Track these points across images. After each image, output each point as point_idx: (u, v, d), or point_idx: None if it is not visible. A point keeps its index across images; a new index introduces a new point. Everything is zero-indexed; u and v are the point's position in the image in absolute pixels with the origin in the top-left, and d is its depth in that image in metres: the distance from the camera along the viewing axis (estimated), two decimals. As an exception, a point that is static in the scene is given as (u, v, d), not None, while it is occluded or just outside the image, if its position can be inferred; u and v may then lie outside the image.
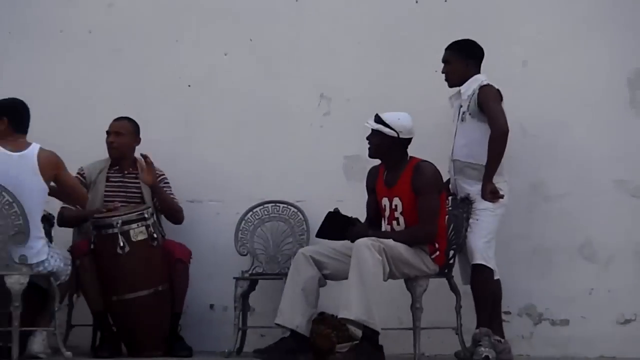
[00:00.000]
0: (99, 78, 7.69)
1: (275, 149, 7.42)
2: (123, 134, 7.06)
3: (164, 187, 7.18)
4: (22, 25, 7.81)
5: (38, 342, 6.36)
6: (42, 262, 6.27)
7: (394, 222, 6.28)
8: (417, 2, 7.11)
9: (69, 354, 6.36)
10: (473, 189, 6.31)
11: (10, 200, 6.12)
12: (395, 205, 6.26)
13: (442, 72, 6.50)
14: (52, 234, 6.78)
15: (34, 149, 6.43)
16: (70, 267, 6.54)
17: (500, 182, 6.28)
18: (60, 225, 7.00)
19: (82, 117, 7.51)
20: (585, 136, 6.78)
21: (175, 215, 7.16)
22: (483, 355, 5.98)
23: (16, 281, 6.07)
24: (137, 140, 7.14)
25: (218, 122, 7.55)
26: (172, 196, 7.19)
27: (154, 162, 7.08)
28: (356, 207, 6.49)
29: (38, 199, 6.41)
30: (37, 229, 6.32)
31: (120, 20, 7.67)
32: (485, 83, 6.32)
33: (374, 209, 6.47)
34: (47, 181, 6.45)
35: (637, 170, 6.74)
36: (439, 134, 6.63)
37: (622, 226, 6.71)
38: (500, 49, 6.72)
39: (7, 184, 6.17)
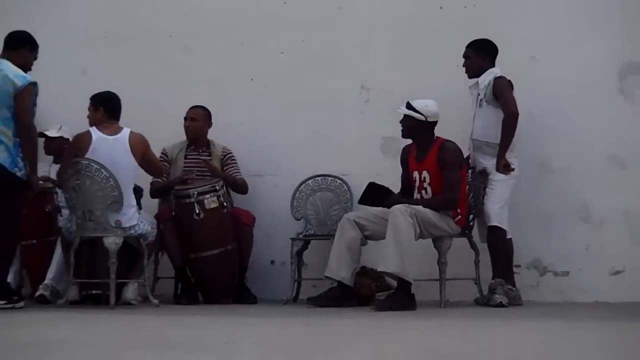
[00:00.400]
0: (178, 74, 7.94)
1: (324, 131, 7.63)
2: (197, 120, 7.41)
3: (230, 163, 7.51)
4: (118, 30, 8.03)
5: (130, 292, 6.90)
6: (133, 226, 6.75)
7: (423, 192, 6.60)
8: (441, 8, 7.35)
9: (155, 301, 6.82)
10: (489, 163, 6.64)
11: (107, 175, 6.56)
12: (424, 177, 6.58)
13: (463, 66, 6.78)
14: (141, 203, 7.20)
15: (125, 132, 6.89)
16: (155, 230, 7.03)
17: (511, 157, 6.59)
18: (152, 196, 7.48)
19: (165, 105, 7.79)
20: (582, 120, 7.02)
21: (239, 189, 7.48)
22: (498, 301, 6.30)
23: (112, 242, 6.55)
24: (209, 124, 7.51)
25: (276, 109, 7.76)
26: (236, 172, 7.51)
27: (225, 143, 7.56)
28: (391, 180, 6.83)
29: (129, 174, 6.85)
30: (129, 199, 6.77)
31: (194, 26, 7.97)
32: (499, 75, 6.62)
33: (407, 181, 6.77)
34: (136, 159, 6.91)
35: (625, 147, 6.99)
36: (460, 117, 6.84)
37: (613, 193, 6.95)
38: (511, 47, 6.95)
39: (104, 162, 6.63)
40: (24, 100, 6.53)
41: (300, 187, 7.47)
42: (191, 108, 7.51)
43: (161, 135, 7.52)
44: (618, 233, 6.93)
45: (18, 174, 6.50)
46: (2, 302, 6.33)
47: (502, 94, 6.58)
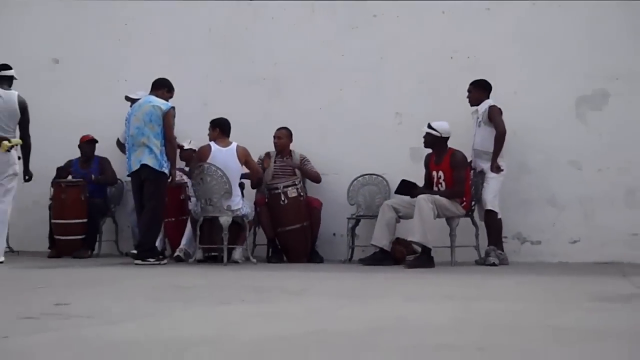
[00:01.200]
0: (279, 109, 8.32)
1: (370, 143, 7.96)
2: (282, 138, 7.92)
3: (306, 164, 7.92)
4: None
5: (237, 254, 7.51)
6: (239, 209, 7.39)
7: (439, 186, 7.09)
8: (451, 58, 7.79)
9: (254, 260, 7.47)
10: (485, 166, 7.07)
11: (222, 174, 7.26)
12: (440, 176, 7.09)
13: (467, 98, 7.20)
14: (244, 193, 7.72)
15: (234, 145, 7.50)
16: (254, 212, 7.64)
17: (501, 162, 7.01)
18: (252, 187, 7.96)
19: (263, 127, 8.10)
20: (550, 135, 7.42)
21: (314, 178, 7.92)
22: (491, 262, 6.81)
23: (225, 220, 7.23)
24: (290, 140, 7.96)
25: (338, 129, 8.17)
26: (312, 168, 7.91)
27: (303, 152, 8.02)
28: (417, 178, 7.26)
29: (236, 174, 7.50)
30: (236, 190, 7.42)
31: (294, 72, 8.42)
32: (492, 104, 7.07)
33: (428, 178, 7.20)
34: (241, 163, 7.52)
35: (580, 154, 7.39)
36: (465, 134, 7.24)
37: (571, 187, 7.38)
38: (499, 85, 7.29)
39: (219, 166, 7.28)
40: (169, 120, 7.17)
41: (354, 182, 7.83)
42: (278, 129, 7.93)
43: (258, 147, 7.97)
44: (575, 214, 7.32)
45: (165, 170, 7.16)
46: (153, 260, 7.08)
47: (494, 118, 7.00)
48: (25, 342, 2.63)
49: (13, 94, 7.15)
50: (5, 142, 6.92)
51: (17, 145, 7.07)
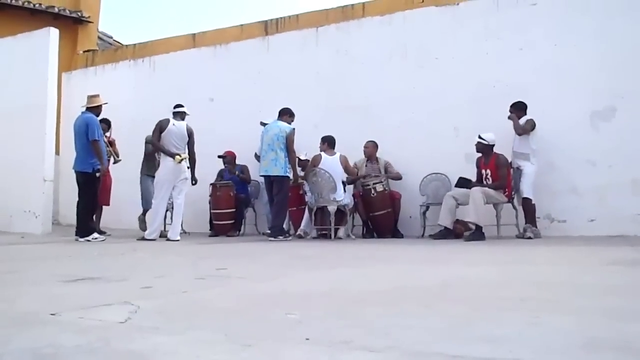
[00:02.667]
0: (367, 122, 8.39)
1: (436, 150, 7.95)
2: (369, 148, 8.02)
3: (390, 167, 8.01)
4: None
5: (341, 232, 7.57)
6: (341, 200, 7.49)
7: (487, 180, 7.02)
8: (494, 86, 7.68)
9: (353, 236, 7.67)
10: (522, 163, 6.96)
11: (329, 176, 7.46)
12: (488, 173, 7.05)
13: (509, 118, 7.07)
14: (345, 189, 7.66)
15: (337, 154, 7.71)
16: (353, 202, 7.69)
17: (533, 161, 6.94)
18: (348, 183, 7.89)
19: (356, 140, 8.07)
20: (571, 141, 7.22)
21: (396, 178, 7.93)
22: (528, 236, 6.66)
23: (332, 208, 7.42)
24: (376, 149, 8.03)
25: (411, 141, 8.16)
26: (394, 170, 7.92)
27: (386, 158, 8.03)
28: (470, 175, 7.24)
29: (339, 175, 7.63)
30: (339, 187, 7.52)
31: (375, 99, 8.52)
32: (527, 119, 6.96)
33: (479, 175, 7.15)
34: (342, 167, 7.67)
35: (594, 155, 7.15)
36: (508, 141, 7.10)
37: (588, 178, 7.12)
38: (531, 104, 7.14)
39: (327, 169, 7.50)
40: (291, 138, 7.36)
41: (424, 179, 7.88)
42: (366, 142, 8.03)
43: (357, 153, 8.12)
44: (592, 199, 7.08)
45: (288, 175, 7.39)
46: (282, 237, 7.25)
47: (525, 131, 6.92)
48: (198, 295, 2.66)
49: (183, 124, 7.49)
50: (178, 156, 7.28)
51: (185, 158, 7.42)
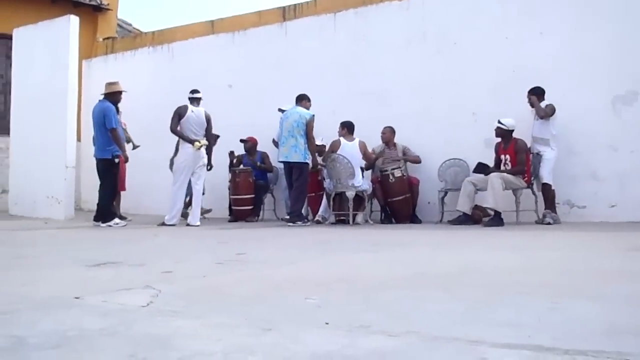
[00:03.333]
0: (386, 112, 8.37)
1: (455, 135, 7.93)
2: (386, 133, 8.02)
3: (408, 152, 8.01)
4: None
5: (359, 218, 7.53)
6: (360, 185, 7.48)
7: (506, 166, 6.99)
8: (514, 71, 7.55)
9: (371, 221, 7.75)
10: (542, 149, 6.93)
11: (347, 161, 7.44)
12: (507, 158, 7.00)
13: (528, 102, 7.04)
14: (363, 175, 7.70)
15: (356, 140, 7.68)
16: (371, 188, 7.67)
17: (553, 147, 6.91)
18: (366, 169, 7.83)
19: (374, 125, 8.08)
20: (592, 126, 7.12)
21: (416, 161, 7.94)
22: (547, 222, 6.65)
23: (350, 194, 7.39)
24: (394, 135, 8.00)
25: (431, 126, 8.14)
26: (413, 154, 7.92)
27: (404, 143, 8.01)
28: (489, 160, 7.22)
29: (357, 161, 7.63)
30: (358, 172, 7.52)
31: (389, 85, 8.49)
32: (547, 104, 6.88)
33: (497, 160, 7.10)
34: (360, 153, 7.64)
35: (616, 139, 7.05)
36: (527, 126, 7.07)
37: (609, 164, 7.03)
38: (550, 90, 7.05)
39: (346, 155, 7.49)
40: (311, 125, 7.39)
41: (442, 164, 7.81)
42: (384, 127, 8.03)
43: (376, 138, 8.12)
44: (612, 185, 7.00)
45: (307, 161, 7.41)
46: (300, 222, 7.28)
47: (547, 115, 6.88)
48: (218, 280, 2.69)
49: (201, 110, 7.52)
50: (197, 143, 7.33)
51: (204, 145, 7.48)
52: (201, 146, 7.20)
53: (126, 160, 7.38)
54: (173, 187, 7.32)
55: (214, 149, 7.83)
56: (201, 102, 7.53)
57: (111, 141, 6.99)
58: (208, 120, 7.32)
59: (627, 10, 7.03)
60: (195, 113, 7.23)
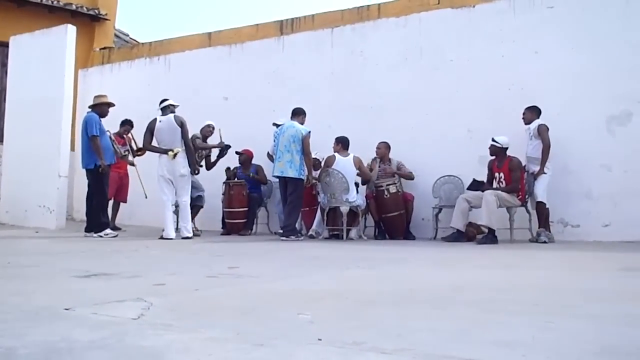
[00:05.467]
0: (379, 124, 8.33)
1: (449, 152, 7.92)
2: (381, 149, 7.94)
3: (402, 167, 7.88)
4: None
5: (353, 233, 7.54)
6: (354, 201, 7.43)
7: (500, 184, 6.96)
8: (509, 89, 7.61)
9: (365, 237, 7.65)
10: (536, 168, 6.89)
11: (342, 176, 7.40)
12: (501, 176, 6.99)
13: (522, 118, 7.08)
14: (357, 190, 7.63)
15: (351, 155, 7.63)
16: (365, 203, 7.62)
17: (547, 167, 6.86)
18: (362, 184, 7.82)
19: (369, 140, 8.02)
20: (587, 145, 7.13)
21: (409, 177, 7.84)
22: (542, 240, 6.61)
23: (344, 209, 7.35)
24: (389, 150, 7.94)
25: (425, 142, 8.10)
26: (407, 170, 7.84)
27: (399, 158, 7.92)
28: (484, 178, 7.19)
29: (352, 176, 7.56)
30: (352, 188, 7.46)
31: (385, 100, 8.52)
32: (541, 123, 6.90)
33: (491, 178, 7.09)
34: (355, 168, 7.57)
35: (610, 159, 7.07)
36: (521, 145, 7.08)
37: (603, 183, 7.03)
38: (545, 109, 7.09)
39: (340, 170, 7.43)
40: (307, 141, 7.34)
41: (437, 181, 7.79)
42: (379, 143, 7.89)
43: (371, 153, 8.01)
44: (606, 204, 6.99)
45: (302, 177, 7.37)
46: (294, 237, 7.20)
47: (542, 134, 6.84)
48: (210, 293, 2.69)
49: (170, 116, 7.16)
50: (170, 152, 7.19)
51: (178, 152, 7.10)
52: (175, 154, 7.01)
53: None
54: (162, 198, 7.21)
55: (223, 159, 8.08)
56: (177, 108, 7.38)
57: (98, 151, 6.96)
58: (181, 124, 7.08)
59: (621, 31, 7.08)
60: (163, 122, 7.11)
